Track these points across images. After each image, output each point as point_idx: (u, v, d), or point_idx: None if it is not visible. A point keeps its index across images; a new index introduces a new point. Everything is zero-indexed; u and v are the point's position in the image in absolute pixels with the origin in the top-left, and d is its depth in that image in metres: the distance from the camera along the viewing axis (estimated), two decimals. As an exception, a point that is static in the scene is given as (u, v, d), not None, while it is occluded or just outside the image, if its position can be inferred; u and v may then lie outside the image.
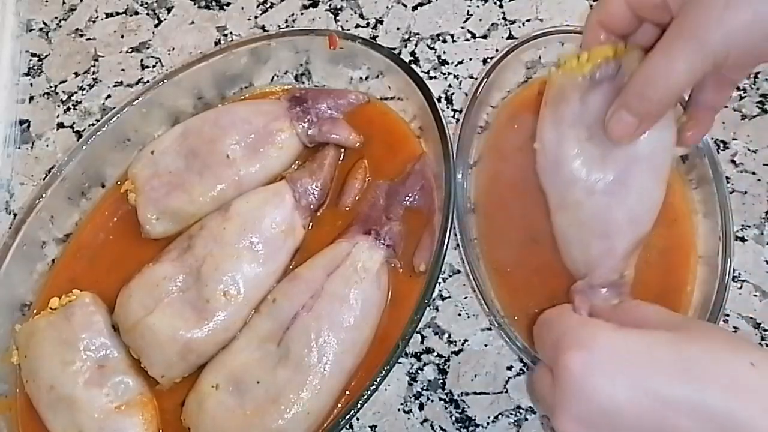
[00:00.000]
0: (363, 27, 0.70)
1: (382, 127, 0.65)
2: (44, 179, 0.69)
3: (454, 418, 0.60)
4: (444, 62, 0.69)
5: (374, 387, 0.54)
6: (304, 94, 0.65)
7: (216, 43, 0.73)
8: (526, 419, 0.59)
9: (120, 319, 0.59)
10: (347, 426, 0.57)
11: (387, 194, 0.62)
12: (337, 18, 0.70)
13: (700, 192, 0.62)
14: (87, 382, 0.56)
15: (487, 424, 0.59)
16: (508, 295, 0.60)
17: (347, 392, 0.57)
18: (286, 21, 0.73)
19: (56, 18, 0.76)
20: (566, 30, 0.64)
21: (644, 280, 0.59)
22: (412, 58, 0.70)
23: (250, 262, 0.58)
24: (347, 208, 0.63)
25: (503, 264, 0.61)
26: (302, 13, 0.73)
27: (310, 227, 0.62)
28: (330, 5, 0.73)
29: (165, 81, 0.65)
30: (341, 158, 0.65)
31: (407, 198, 0.62)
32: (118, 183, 0.66)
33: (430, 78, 0.69)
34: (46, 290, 0.63)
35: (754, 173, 0.64)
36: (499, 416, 0.59)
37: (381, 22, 0.72)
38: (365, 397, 0.54)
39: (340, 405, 0.57)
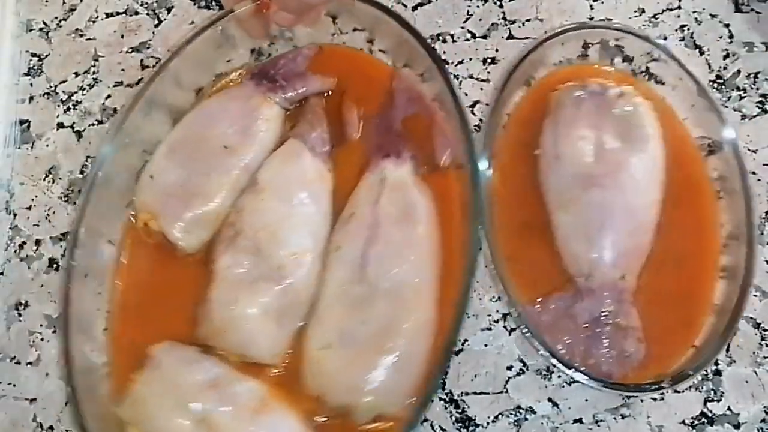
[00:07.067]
0: (360, 30, 0.70)
1: (346, 65, 0.68)
2: (44, 179, 0.70)
3: (454, 418, 0.60)
4: (444, 62, 0.69)
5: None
6: (262, 68, 0.67)
7: (216, 44, 0.73)
8: (526, 419, 0.59)
9: (208, 330, 0.58)
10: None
11: (383, 122, 0.64)
12: (336, 20, 0.70)
13: (726, 201, 0.61)
14: (213, 407, 0.55)
15: (487, 424, 0.59)
16: (516, 284, 0.60)
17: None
18: (286, 21, 0.73)
19: (56, 18, 0.75)
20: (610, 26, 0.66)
21: (663, 284, 0.59)
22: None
23: (300, 218, 0.60)
24: (353, 137, 0.64)
25: (505, 251, 0.61)
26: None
27: (330, 170, 0.64)
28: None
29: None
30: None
31: (402, 114, 0.64)
32: (133, 220, 0.64)
33: (430, 78, 0.69)
34: (114, 359, 0.61)
35: (754, 173, 0.64)
36: (499, 416, 0.59)
37: (381, 22, 0.72)
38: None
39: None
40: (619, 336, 0.57)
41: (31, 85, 0.73)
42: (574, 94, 0.62)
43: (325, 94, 0.67)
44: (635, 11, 0.69)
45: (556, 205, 0.60)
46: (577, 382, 0.59)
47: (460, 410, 0.60)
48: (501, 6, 0.71)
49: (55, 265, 0.67)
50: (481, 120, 0.67)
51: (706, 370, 0.59)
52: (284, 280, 0.58)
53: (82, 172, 0.69)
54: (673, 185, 0.61)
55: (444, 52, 0.70)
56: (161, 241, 0.62)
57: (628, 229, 0.58)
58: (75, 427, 0.56)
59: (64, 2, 0.76)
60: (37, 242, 0.68)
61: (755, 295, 0.61)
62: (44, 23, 0.76)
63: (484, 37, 0.70)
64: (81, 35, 0.74)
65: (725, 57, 0.68)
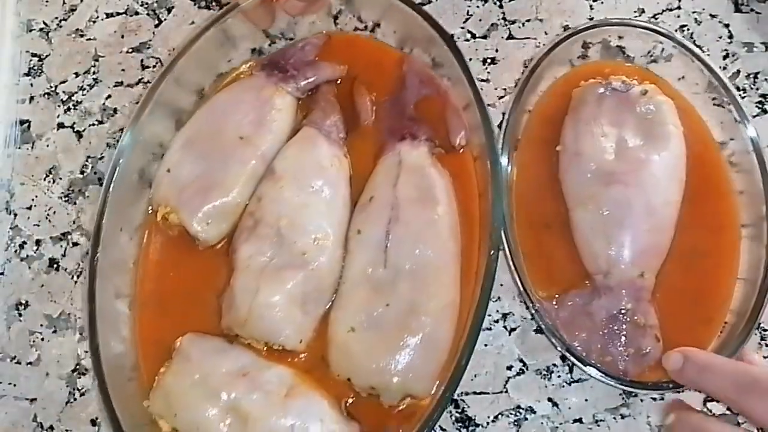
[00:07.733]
0: (361, 30, 0.70)
1: (355, 52, 0.68)
2: (44, 179, 0.70)
3: (454, 418, 0.60)
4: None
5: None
6: (272, 58, 0.68)
7: (218, 43, 0.73)
8: (526, 419, 0.59)
9: (232, 320, 0.59)
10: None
11: (395, 105, 0.65)
12: (337, 21, 0.70)
13: (746, 201, 0.61)
14: (243, 395, 0.56)
15: (487, 423, 0.59)
16: (533, 280, 0.60)
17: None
18: (287, 23, 0.73)
19: (56, 18, 0.76)
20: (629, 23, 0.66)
21: (681, 283, 0.59)
22: (412, 59, 0.70)
23: (319, 204, 0.60)
24: (367, 123, 0.65)
25: (523, 247, 0.61)
26: (302, 15, 0.73)
27: (346, 155, 0.64)
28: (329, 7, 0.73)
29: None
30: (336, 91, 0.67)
31: (414, 98, 0.65)
32: (151, 212, 0.64)
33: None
34: (141, 354, 0.62)
35: (754, 173, 0.64)
36: (499, 416, 0.59)
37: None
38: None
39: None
40: (637, 334, 0.57)
41: (32, 85, 0.73)
42: (596, 91, 0.62)
43: (336, 82, 0.67)
44: (635, 11, 0.70)
45: (576, 202, 0.60)
46: (578, 381, 0.59)
47: (459, 410, 0.60)
48: (501, 6, 0.71)
49: (55, 265, 0.67)
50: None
51: (706, 370, 0.59)
52: (307, 266, 0.59)
53: (82, 172, 0.70)
54: (693, 183, 0.61)
55: (444, 52, 0.70)
56: (182, 234, 0.62)
57: (648, 227, 0.58)
58: (110, 424, 0.56)
59: (64, 2, 0.76)
60: (37, 242, 0.68)
61: (755, 295, 0.61)
62: (44, 23, 0.76)
63: (484, 37, 0.70)
64: (81, 35, 0.75)
65: (725, 57, 0.68)
